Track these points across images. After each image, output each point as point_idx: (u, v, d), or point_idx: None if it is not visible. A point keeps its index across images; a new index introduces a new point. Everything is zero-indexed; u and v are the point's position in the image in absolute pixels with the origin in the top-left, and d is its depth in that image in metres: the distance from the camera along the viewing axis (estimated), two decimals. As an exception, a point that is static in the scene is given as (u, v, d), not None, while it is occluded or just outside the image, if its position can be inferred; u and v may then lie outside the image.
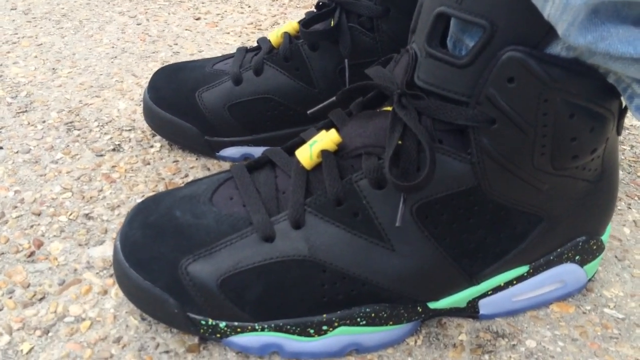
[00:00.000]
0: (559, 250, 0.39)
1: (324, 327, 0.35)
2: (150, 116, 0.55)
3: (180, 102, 0.53)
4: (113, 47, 0.78)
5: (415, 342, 0.39)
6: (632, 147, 0.63)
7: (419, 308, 0.37)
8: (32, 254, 0.43)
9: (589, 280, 0.43)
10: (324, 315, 0.35)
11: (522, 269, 0.38)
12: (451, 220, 0.35)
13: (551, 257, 0.39)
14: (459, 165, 0.34)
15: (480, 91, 0.32)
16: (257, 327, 0.35)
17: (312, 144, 0.36)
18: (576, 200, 0.37)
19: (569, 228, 0.38)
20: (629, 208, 0.53)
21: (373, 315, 0.36)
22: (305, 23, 0.50)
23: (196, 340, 0.37)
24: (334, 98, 0.39)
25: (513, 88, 0.31)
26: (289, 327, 0.35)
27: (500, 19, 0.30)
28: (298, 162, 0.36)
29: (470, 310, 0.39)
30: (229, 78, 0.53)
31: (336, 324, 0.35)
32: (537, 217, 0.37)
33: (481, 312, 0.40)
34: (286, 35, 0.53)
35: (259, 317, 0.35)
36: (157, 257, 0.35)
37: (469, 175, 0.34)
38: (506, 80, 0.31)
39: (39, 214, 0.47)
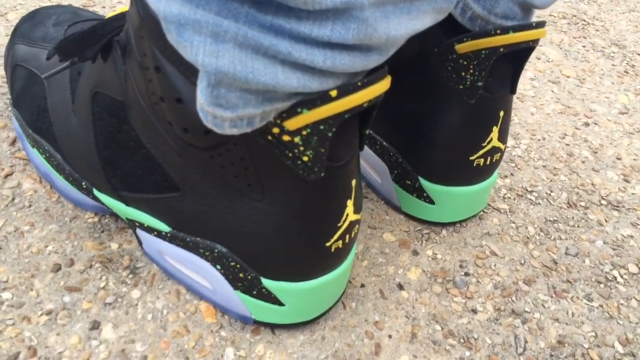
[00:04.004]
0: (197, 238, 0.35)
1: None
2: None
3: None
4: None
5: (87, 219, 0.42)
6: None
7: (83, 184, 0.40)
8: None
9: (260, 322, 0.37)
10: (29, 130, 0.42)
11: (162, 226, 0.36)
12: (107, 122, 0.36)
13: (188, 239, 0.35)
14: (115, 74, 0.34)
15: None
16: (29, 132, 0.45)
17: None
18: (217, 200, 0.33)
19: (203, 223, 0.34)
20: None
21: (43, 150, 0.41)
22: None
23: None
24: None
25: (132, 10, 0.30)
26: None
27: None
28: None
29: (137, 236, 0.40)
30: None
31: (33, 145, 0.42)
32: (173, 183, 0.34)
33: (144, 245, 0.40)
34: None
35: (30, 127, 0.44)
36: (13, 31, 0.47)
37: (122, 87, 0.34)
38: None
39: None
